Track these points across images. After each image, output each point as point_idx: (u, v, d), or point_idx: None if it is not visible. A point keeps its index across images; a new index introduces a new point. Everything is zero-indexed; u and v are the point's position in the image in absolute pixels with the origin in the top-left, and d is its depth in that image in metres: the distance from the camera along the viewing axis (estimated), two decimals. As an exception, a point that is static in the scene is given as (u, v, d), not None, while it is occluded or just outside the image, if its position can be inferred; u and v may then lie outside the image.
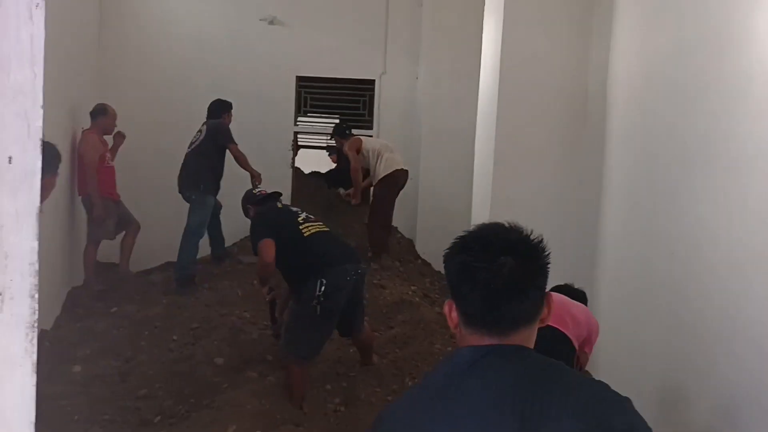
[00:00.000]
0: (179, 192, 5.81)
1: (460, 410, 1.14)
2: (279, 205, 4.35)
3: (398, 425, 1.21)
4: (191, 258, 5.73)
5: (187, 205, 5.77)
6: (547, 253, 1.25)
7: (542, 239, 1.30)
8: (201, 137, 5.84)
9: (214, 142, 5.79)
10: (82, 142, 5.59)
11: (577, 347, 3.05)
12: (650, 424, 1.17)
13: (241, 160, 5.82)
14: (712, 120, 3.16)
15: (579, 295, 3.43)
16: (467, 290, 1.21)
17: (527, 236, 1.26)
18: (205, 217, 5.75)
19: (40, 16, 0.86)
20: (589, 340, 3.17)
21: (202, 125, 5.94)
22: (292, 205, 4.12)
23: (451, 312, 1.26)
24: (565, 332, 2.93)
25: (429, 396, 1.21)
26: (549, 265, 1.24)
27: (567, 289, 3.42)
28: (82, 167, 5.53)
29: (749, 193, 2.86)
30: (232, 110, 6.09)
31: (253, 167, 5.84)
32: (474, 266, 1.20)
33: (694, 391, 3.13)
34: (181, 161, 5.88)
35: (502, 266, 1.18)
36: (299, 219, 4.05)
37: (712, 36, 3.18)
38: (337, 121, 7.36)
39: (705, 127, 3.22)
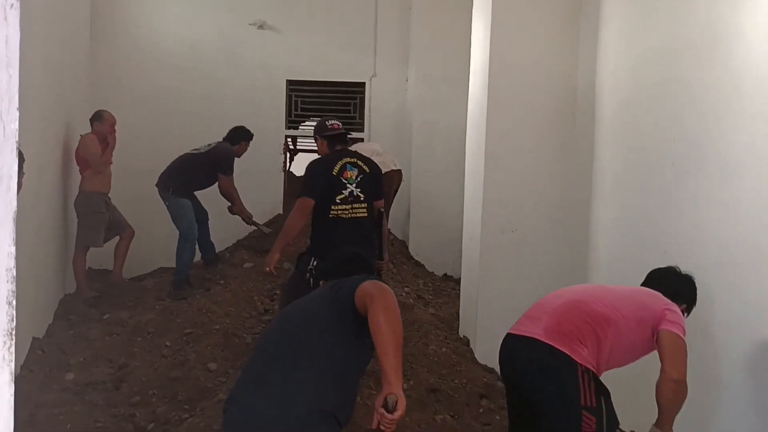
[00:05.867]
0: (155, 185, 5.83)
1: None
2: (335, 169, 3.99)
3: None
4: (187, 261, 5.76)
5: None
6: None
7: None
8: (204, 151, 5.89)
9: (211, 163, 5.83)
10: (80, 144, 5.63)
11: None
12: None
13: (230, 192, 5.88)
14: (701, 121, 3.17)
15: (675, 280, 2.83)
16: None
17: None
18: (189, 217, 5.76)
19: (14, 17, 0.83)
20: (663, 318, 2.58)
21: (217, 143, 5.96)
22: (340, 175, 3.95)
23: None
24: (569, 354, 2.54)
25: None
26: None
27: (661, 273, 2.88)
28: (83, 165, 5.61)
29: (740, 194, 2.87)
30: (250, 141, 6.15)
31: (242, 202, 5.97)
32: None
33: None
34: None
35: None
36: (340, 197, 3.94)
37: (699, 37, 3.20)
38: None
39: (695, 128, 3.23)
